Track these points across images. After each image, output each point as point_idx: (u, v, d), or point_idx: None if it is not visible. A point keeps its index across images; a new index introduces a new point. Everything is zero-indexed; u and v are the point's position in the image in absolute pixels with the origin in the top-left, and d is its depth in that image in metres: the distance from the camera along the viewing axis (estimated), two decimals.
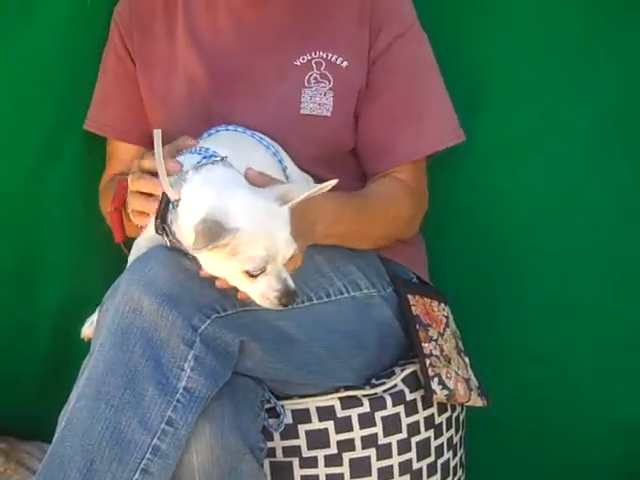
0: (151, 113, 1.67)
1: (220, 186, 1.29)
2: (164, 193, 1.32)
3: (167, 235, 1.33)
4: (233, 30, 1.62)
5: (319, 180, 1.44)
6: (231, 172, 1.32)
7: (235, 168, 1.33)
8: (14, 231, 1.79)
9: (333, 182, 1.29)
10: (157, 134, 1.34)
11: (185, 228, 1.29)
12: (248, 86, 1.60)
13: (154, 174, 1.35)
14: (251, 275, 1.26)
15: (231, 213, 1.25)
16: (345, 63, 1.60)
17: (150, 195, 1.35)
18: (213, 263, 1.28)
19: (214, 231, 1.23)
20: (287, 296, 1.27)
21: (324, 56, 1.60)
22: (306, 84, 1.59)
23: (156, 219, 1.33)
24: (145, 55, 1.66)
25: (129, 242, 1.48)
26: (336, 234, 1.49)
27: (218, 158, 1.34)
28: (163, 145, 1.35)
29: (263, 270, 1.26)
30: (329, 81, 1.59)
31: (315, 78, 1.59)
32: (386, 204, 1.59)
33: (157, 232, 1.33)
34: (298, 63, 1.60)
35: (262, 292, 1.27)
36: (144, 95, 1.67)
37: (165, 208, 1.32)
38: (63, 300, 1.84)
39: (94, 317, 1.41)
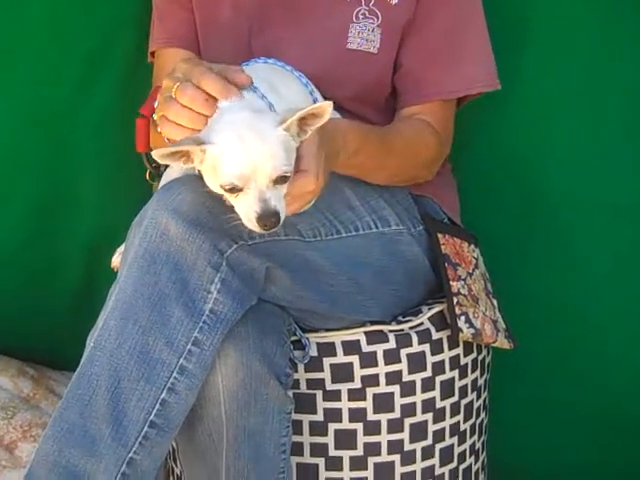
0: None
1: (229, 110, 1.25)
2: None
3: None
4: None
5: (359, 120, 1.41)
6: (253, 99, 1.28)
7: (262, 97, 1.29)
8: (48, 161, 1.80)
9: (329, 103, 1.23)
10: None
11: None
12: (294, 16, 1.57)
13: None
14: (229, 191, 1.23)
15: (215, 129, 1.23)
16: (395, 0, 1.57)
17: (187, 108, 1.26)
18: (208, 179, 1.26)
19: (183, 141, 1.22)
20: (266, 218, 1.20)
21: None
22: (354, 19, 1.56)
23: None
24: None
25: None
26: (356, 164, 1.44)
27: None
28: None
29: (238, 188, 1.22)
30: (377, 17, 1.56)
31: (363, 14, 1.56)
32: (409, 141, 1.55)
33: None
34: None
35: (243, 211, 1.23)
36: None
37: None
38: (94, 233, 1.85)
39: (123, 247, 1.40)
